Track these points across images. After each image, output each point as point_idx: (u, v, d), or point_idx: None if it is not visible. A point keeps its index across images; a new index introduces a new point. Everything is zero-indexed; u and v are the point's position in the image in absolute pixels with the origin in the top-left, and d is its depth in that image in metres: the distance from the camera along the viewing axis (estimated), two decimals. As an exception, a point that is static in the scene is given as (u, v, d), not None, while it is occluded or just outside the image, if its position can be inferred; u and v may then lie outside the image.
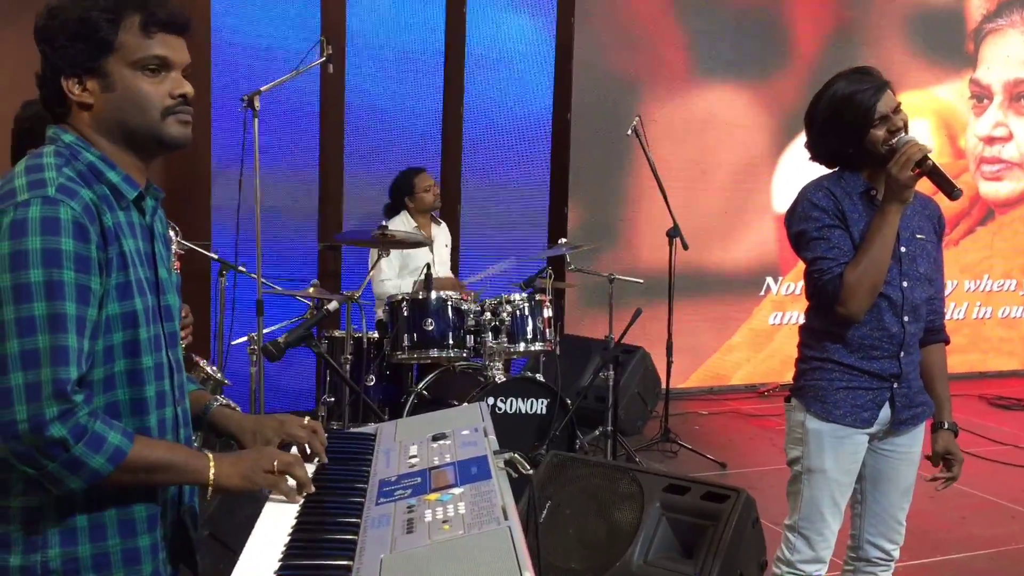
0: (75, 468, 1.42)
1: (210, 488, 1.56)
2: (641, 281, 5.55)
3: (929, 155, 2.36)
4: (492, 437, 1.77)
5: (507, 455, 1.66)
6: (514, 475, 1.64)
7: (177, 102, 1.56)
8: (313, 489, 1.61)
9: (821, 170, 2.61)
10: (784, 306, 7.40)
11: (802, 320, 2.69)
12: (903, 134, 2.41)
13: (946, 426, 2.63)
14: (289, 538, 1.48)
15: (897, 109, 2.43)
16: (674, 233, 5.43)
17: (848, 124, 2.44)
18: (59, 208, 1.42)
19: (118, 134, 1.56)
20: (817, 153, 2.59)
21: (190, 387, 1.85)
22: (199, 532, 2.95)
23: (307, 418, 1.85)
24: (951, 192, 2.36)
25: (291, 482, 1.61)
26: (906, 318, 2.51)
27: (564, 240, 5.51)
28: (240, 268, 4.71)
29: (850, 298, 2.42)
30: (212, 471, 1.55)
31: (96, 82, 1.53)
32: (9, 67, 4.92)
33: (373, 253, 4.99)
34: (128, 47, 1.52)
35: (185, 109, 1.58)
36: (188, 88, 1.58)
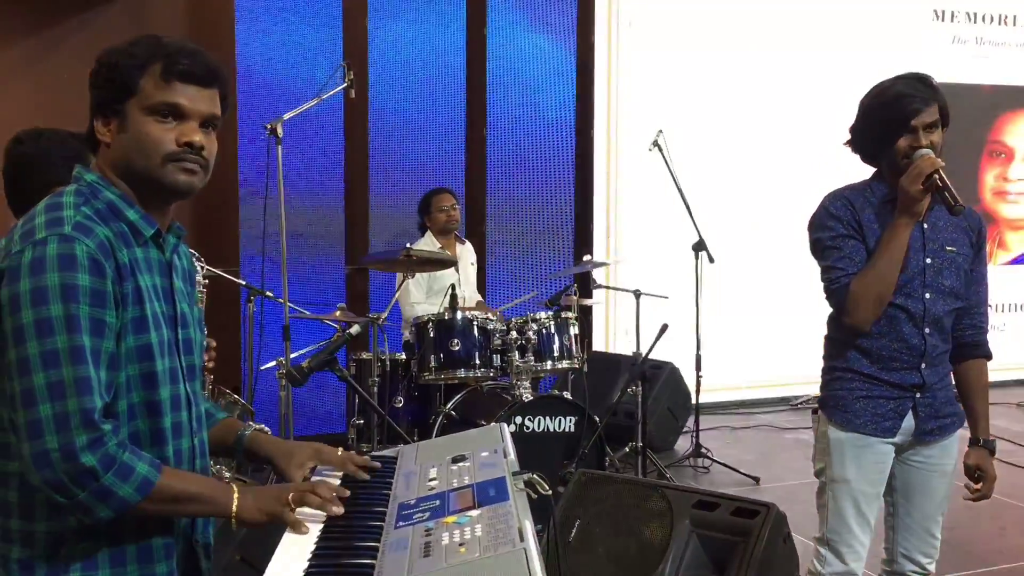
0: (104, 497, 1.46)
1: (233, 520, 1.59)
2: (667, 296, 5.52)
3: (941, 170, 2.36)
4: (512, 458, 1.76)
5: (526, 476, 1.65)
6: (533, 496, 1.64)
7: (182, 150, 1.58)
8: (335, 511, 1.62)
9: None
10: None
11: (824, 332, 2.68)
12: (922, 150, 2.40)
13: (981, 442, 2.60)
14: (309, 563, 1.49)
15: (931, 128, 2.42)
16: (699, 247, 5.41)
17: (884, 124, 2.44)
18: (74, 245, 1.47)
19: (126, 175, 1.60)
20: (853, 139, 2.58)
21: (219, 415, 1.89)
22: (229, 555, 2.98)
23: (340, 449, 1.89)
24: (952, 208, 2.37)
25: (308, 508, 1.63)
26: (927, 330, 2.49)
27: (589, 257, 5.51)
28: (267, 293, 4.75)
29: (855, 308, 2.43)
30: (235, 504, 1.58)
31: (116, 123, 1.59)
32: (29, 110, 5.04)
33: (399, 275, 5.01)
34: (145, 92, 1.57)
35: (191, 158, 1.58)
36: (196, 137, 1.58)
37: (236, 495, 1.59)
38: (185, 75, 1.58)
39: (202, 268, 3.41)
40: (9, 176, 2.36)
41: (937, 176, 2.35)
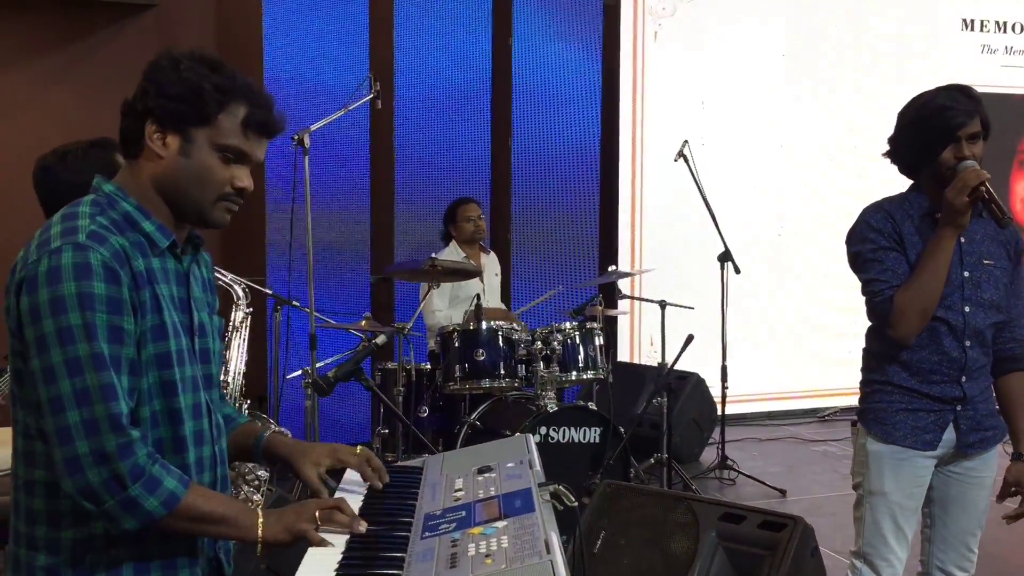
0: (130, 508, 1.47)
1: (259, 545, 1.58)
2: (692, 307, 5.50)
3: (987, 182, 2.34)
4: (537, 469, 1.76)
5: (552, 487, 1.65)
6: (559, 507, 1.63)
7: (234, 192, 1.63)
8: (361, 530, 1.62)
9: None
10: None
11: (857, 343, 2.66)
12: (967, 161, 2.39)
13: (1022, 458, 2.56)
14: (336, 573, 1.49)
15: (974, 139, 2.41)
16: (725, 257, 5.39)
17: (927, 136, 2.43)
18: (89, 253, 1.48)
19: (170, 194, 1.61)
20: (892, 150, 2.57)
21: (240, 420, 1.90)
22: (255, 564, 2.99)
23: (359, 447, 1.88)
24: (1000, 220, 2.36)
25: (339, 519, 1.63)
26: (968, 343, 2.47)
27: (614, 267, 5.50)
28: (294, 303, 4.78)
29: (899, 321, 2.40)
30: (260, 528, 1.58)
31: (178, 142, 1.58)
32: (60, 120, 5.10)
33: (424, 285, 5.03)
34: (222, 129, 1.58)
35: (237, 201, 1.65)
36: (248, 184, 1.64)
37: (261, 519, 1.59)
38: (262, 128, 1.63)
39: (243, 290, 3.43)
40: (44, 200, 2.40)
41: (984, 188, 2.33)
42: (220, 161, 1.60)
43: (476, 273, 4.91)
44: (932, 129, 2.41)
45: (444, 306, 5.13)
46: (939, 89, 2.47)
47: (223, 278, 3.46)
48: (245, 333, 3.40)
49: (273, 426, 1.90)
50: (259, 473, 3.34)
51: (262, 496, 3.36)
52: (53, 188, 2.40)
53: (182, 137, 1.58)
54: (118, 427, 1.46)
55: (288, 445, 1.85)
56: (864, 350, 2.64)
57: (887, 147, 2.58)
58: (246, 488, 3.33)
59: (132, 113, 1.60)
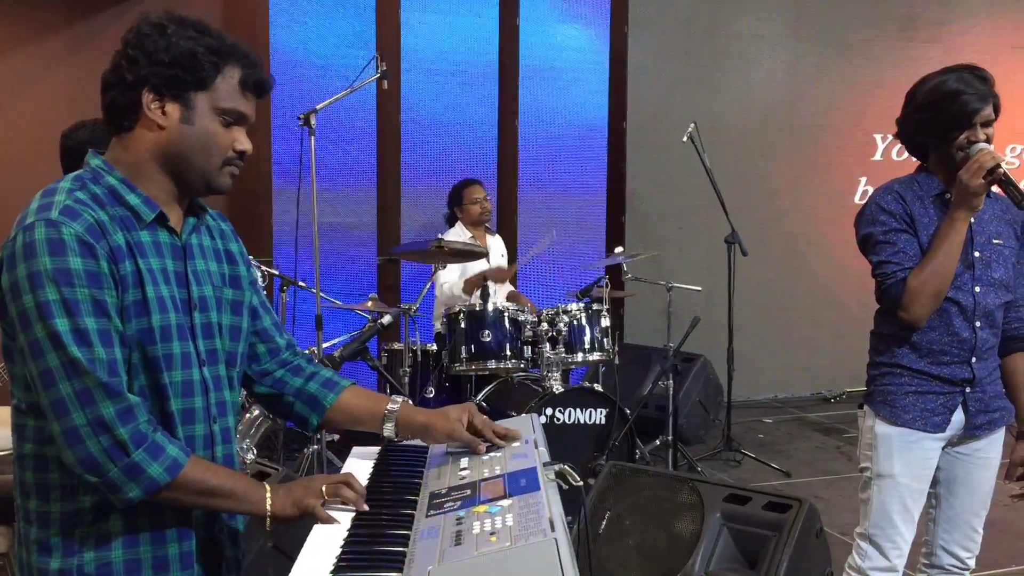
0: (134, 474, 1.47)
1: (268, 519, 1.59)
2: (699, 289, 5.50)
3: (1002, 164, 2.33)
4: (543, 449, 1.76)
5: (557, 467, 1.65)
6: (564, 487, 1.64)
7: (236, 156, 1.63)
8: (365, 507, 1.63)
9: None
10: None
11: (871, 327, 2.65)
12: (981, 143, 2.38)
13: None
14: (341, 550, 1.50)
15: (987, 124, 2.39)
16: (733, 239, 5.38)
17: (941, 119, 2.41)
18: (61, 228, 1.46)
19: (174, 164, 1.59)
20: (902, 131, 2.56)
21: (344, 383, 1.88)
22: (262, 542, 3.00)
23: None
24: (1020, 202, 2.34)
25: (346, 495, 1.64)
26: (978, 323, 2.47)
27: (621, 249, 5.49)
28: (300, 283, 4.79)
29: (912, 303, 2.39)
30: (269, 502, 1.59)
31: (178, 110, 1.56)
32: (66, 100, 5.10)
33: (435, 266, 5.03)
34: (220, 93, 1.57)
35: (239, 164, 1.64)
36: (248, 146, 1.64)
37: (269, 493, 1.59)
38: (257, 87, 1.62)
39: (261, 274, 3.40)
40: (70, 170, 2.44)
41: (1001, 171, 2.32)
42: (221, 125, 1.59)
43: (483, 254, 4.91)
44: (945, 114, 2.39)
45: (454, 279, 5.12)
46: (949, 71, 2.44)
47: None
48: None
49: (398, 398, 1.90)
50: (247, 456, 3.32)
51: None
52: (68, 152, 2.44)
53: (182, 104, 1.56)
54: (114, 393, 1.46)
55: (424, 412, 1.88)
56: (872, 332, 2.63)
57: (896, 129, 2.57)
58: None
59: (121, 84, 1.55)
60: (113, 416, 1.45)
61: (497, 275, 5.08)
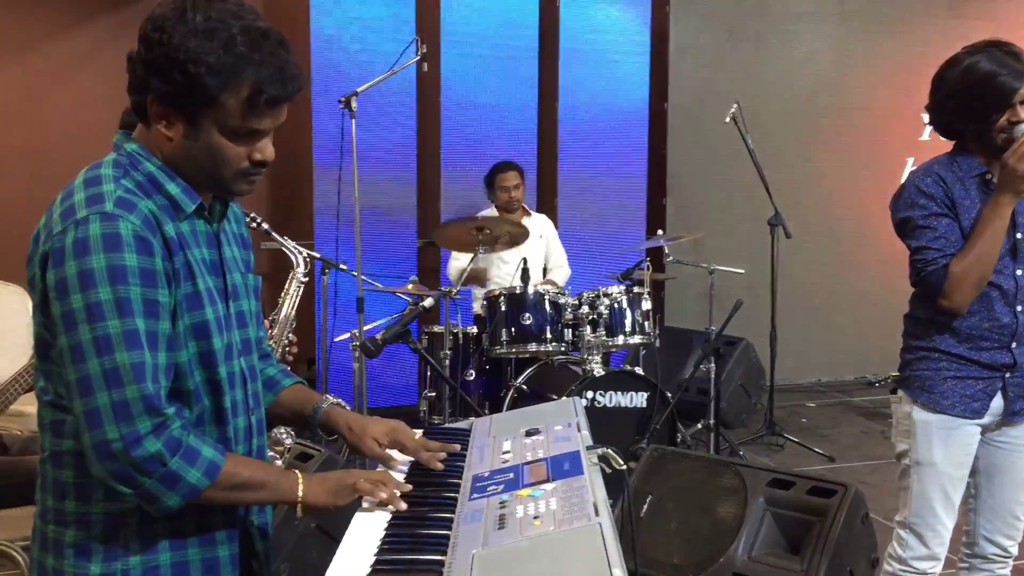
0: (172, 483, 1.41)
1: (299, 507, 1.56)
2: (742, 271, 5.44)
3: None
4: (585, 432, 1.75)
5: (600, 450, 1.65)
6: (607, 471, 1.63)
7: (253, 166, 1.51)
8: (403, 507, 1.59)
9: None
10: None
11: (906, 309, 2.59)
12: (1023, 125, 2.31)
13: None
14: (385, 532, 1.51)
15: None
16: (776, 221, 5.30)
17: (979, 103, 2.35)
18: (118, 223, 1.38)
19: (185, 171, 1.50)
20: (936, 119, 2.49)
21: (286, 382, 1.82)
22: (305, 523, 3.03)
23: (419, 433, 1.84)
24: None
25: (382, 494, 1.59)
26: (1019, 307, 2.41)
27: (662, 232, 5.44)
28: (341, 266, 4.81)
29: (955, 291, 2.34)
30: (301, 490, 1.55)
31: (182, 125, 1.45)
32: (109, 87, 5.16)
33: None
34: (226, 111, 1.43)
35: (258, 172, 1.52)
36: (269, 154, 1.51)
37: (301, 482, 1.55)
38: (273, 103, 1.46)
39: (304, 259, 3.40)
40: None
41: None
42: (231, 141, 1.46)
43: (521, 240, 4.85)
44: (980, 99, 2.33)
45: (463, 257, 5.09)
46: (979, 51, 2.36)
47: (285, 244, 3.44)
48: (296, 300, 3.39)
49: (329, 397, 1.86)
50: (285, 441, 3.33)
51: (283, 464, 3.34)
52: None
53: (186, 118, 1.44)
54: (152, 408, 1.39)
55: (348, 419, 1.80)
56: (907, 316, 2.57)
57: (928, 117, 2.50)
58: (269, 454, 3.32)
59: (131, 84, 1.47)
60: (148, 431, 1.39)
61: (476, 274, 5.07)
